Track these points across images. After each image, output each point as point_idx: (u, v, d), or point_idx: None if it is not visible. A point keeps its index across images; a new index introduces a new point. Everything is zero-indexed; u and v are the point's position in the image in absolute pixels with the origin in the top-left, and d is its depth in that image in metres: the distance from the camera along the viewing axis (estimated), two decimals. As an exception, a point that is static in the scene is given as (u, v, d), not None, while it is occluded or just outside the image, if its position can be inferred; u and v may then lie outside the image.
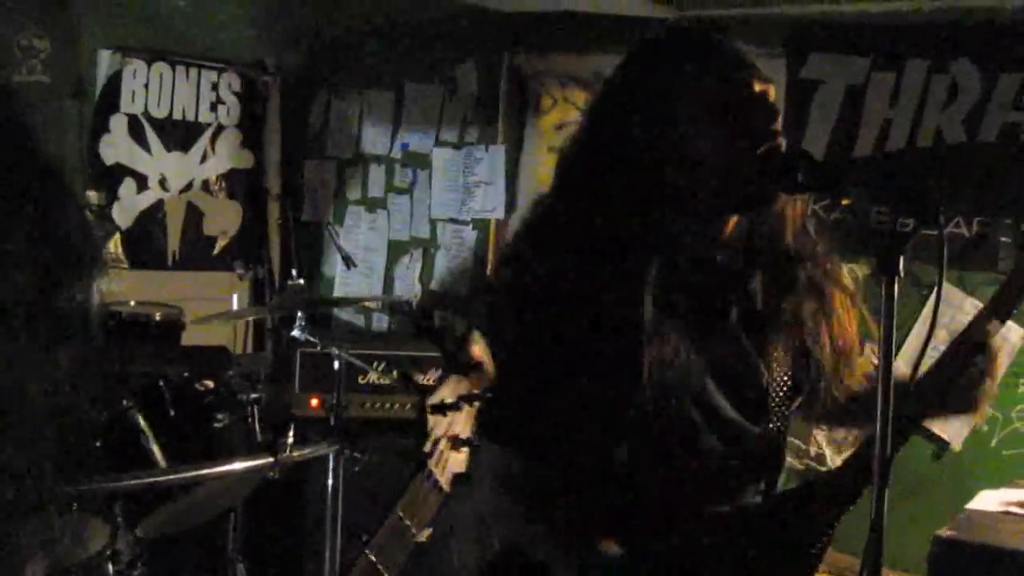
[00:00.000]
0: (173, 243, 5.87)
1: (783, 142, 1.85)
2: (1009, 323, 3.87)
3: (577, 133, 2.01)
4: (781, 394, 2.00)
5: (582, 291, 1.79)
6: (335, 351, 3.87)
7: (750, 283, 1.99)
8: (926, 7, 3.94)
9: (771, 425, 1.99)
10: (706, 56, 1.88)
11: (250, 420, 3.45)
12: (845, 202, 1.85)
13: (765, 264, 2.00)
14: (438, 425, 1.71)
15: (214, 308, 5.21)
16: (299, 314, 3.95)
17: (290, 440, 2.91)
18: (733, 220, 1.95)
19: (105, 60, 5.61)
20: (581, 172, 1.94)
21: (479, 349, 1.71)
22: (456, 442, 1.75)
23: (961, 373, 2.00)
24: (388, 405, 4.51)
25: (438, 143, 5.55)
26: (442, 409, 1.69)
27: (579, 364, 1.78)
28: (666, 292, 1.82)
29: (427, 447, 1.71)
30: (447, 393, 1.70)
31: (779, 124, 1.86)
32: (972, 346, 2.03)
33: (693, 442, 1.87)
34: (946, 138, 4.07)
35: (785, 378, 2.00)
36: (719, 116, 1.84)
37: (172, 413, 3.32)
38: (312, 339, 3.98)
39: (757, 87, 1.87)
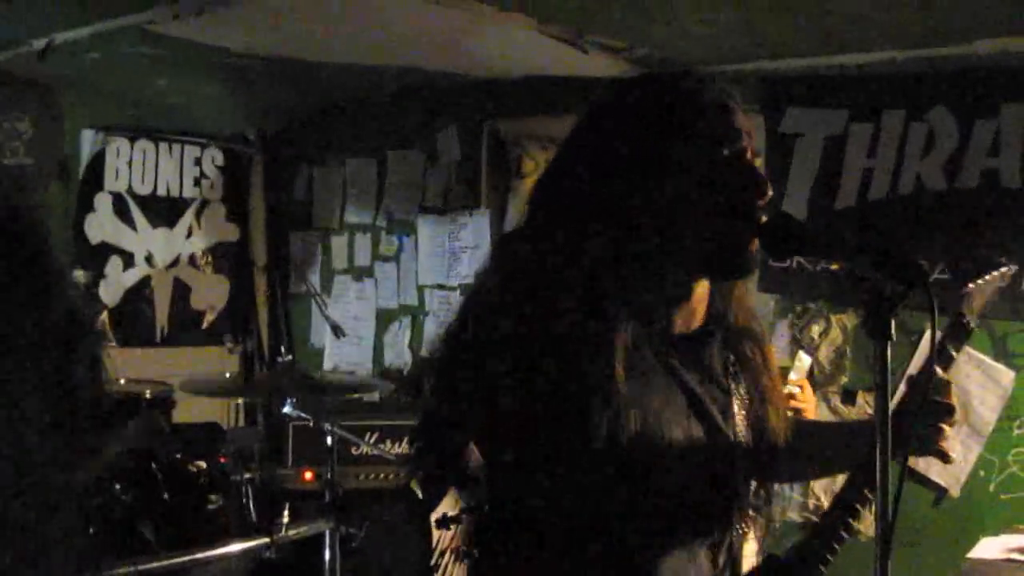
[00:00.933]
0: (161, 319, 5.86)
1: (765, 207, 1.82)
2: (1000, 367, 3.91)
3: (550, 170, 1.96)
4: (743, 457, 1.97)
5: (551, 348, 1.74)
6: (328, 427, 3.84)
7: (707, 349, 1.96)
8: (900, 58, 3.97)
9: (731, 487, 1.95)
10: (695, 112, 1.82)
11: (244, 500, 3.42)
12: (834, 267, 1.82)
13: (722, 330, 1.98)
14: (442, 539, 1.70)
15: (208, 384, 5.19)
16: (288, 392, 3.93)
17: (285, 519, 2.88)
18: (702, 285, 1.92)
19: (88, 139, 5.64)
20: (553, 215, 1.87)
21: (476, 458, 1.69)
22: (459, 554, 1.73)
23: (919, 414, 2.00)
24: (382, 475, 4.49)
25: (422, 210, 5.56)
26: (446, 523, 1.67)
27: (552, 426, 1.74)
28: (634, 356, 1.78)
29: (432, 560, 1.69)
30: (449, 506, 1.68)
31: (766, 196, 1.82)
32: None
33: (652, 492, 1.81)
34: (927, 185, 4.09)
35: (744, 438, 1.98)
36: (705, 176, 1.80)
37: (165, 495, 3.29)
38: (304, 415, 3.96)
39: (747, 152, 1.83)
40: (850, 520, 2.14)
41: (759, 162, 1.88)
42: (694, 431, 1.85)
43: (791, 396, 3.24)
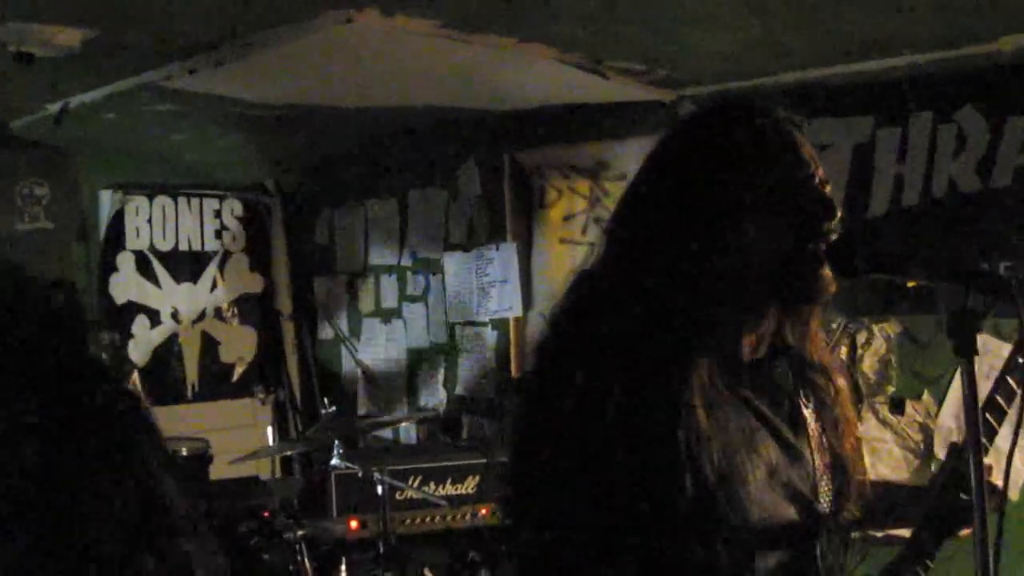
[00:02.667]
0: (191, 375, 5.83)
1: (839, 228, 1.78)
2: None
3: (625, 207, 1.92)
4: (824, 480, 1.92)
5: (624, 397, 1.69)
6: (376, 475, 3.78)
7: (775, 376, 1.91)
8: (923, 61, 3.92)
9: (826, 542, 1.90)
10: (777, 141, 1.81)
11: (299, 557, 3.36)
12: (911, 284, 1.77)
13: (793, 367, 1.93)
14: None
15: (240, 436, 5.16)
16: (336, 443, 3.88)
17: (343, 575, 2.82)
18: (772, 314, 1.87)
19: (107, 200, 5.63)
20: (630, 250, 1.85)
21: None
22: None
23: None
24: (429, 519, 4.43)
25: (447, 247, 5.52)
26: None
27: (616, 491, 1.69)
28: (709, 392, 1.73)
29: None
30: None
31: (838, 220, 1.78)
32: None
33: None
34: (960, 187, 4.02)
35: (819, 463, 1.92)
36: (779, 207, 1.77)
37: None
38: (352, 466, 3.90)
39: (820, 180, 1.80)
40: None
41: (829, 188, 1.83)
42: (775, 458, 1.79)
43: None
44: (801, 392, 1.92)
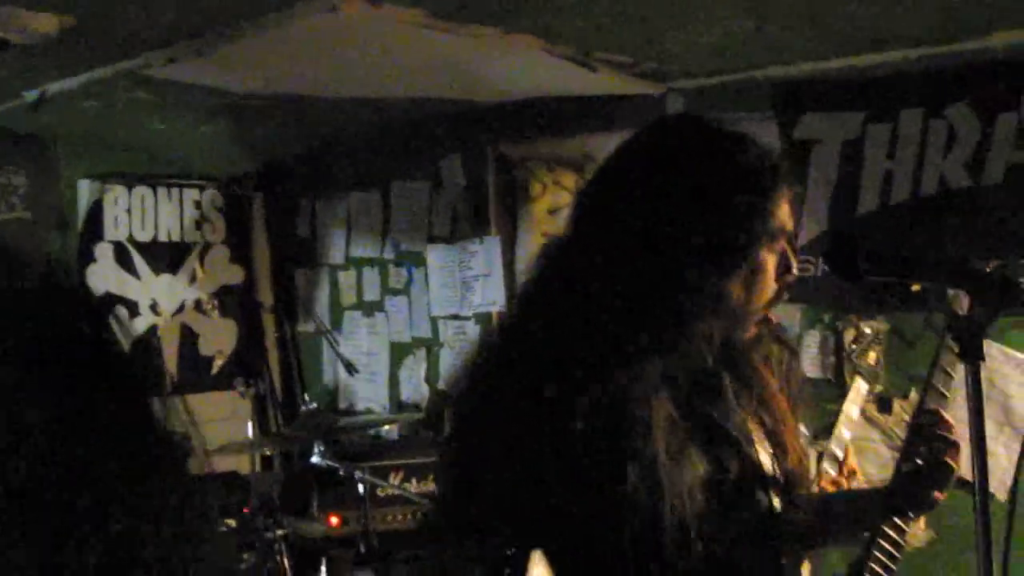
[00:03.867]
0: (171, 367, 5.76)
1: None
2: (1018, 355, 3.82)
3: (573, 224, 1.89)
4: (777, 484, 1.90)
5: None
6: (357, 475, 3.73)
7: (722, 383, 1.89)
8: (914, 56, 3.88)
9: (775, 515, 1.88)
10: (753, 175, 1.78)
11: (278, 558, 3.30)
12: (915, 288, 1.74)
13: (740, 371, 1.92)
14: None
15: (221, 430, 5.09)
16: (317, 441, 3.83)
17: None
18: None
19: (85, 189, 5.55)
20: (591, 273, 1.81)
21: None
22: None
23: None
24: (409, 515, 4.38)
25: (431, 240, 5.47)
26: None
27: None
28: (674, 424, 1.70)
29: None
30: None
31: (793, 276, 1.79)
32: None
33: None
34: (950, 184, 3.99)
35: (771, 466, 1.91)
36: (739, 258, 1.75)
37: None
38: (333, 464, 3.85)
39: (790, 238, 1.79)
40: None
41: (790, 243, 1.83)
42: (733, 468, 1.77)
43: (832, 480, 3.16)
44: (743, 396, 1.90)
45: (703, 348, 1.79)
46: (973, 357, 1.58)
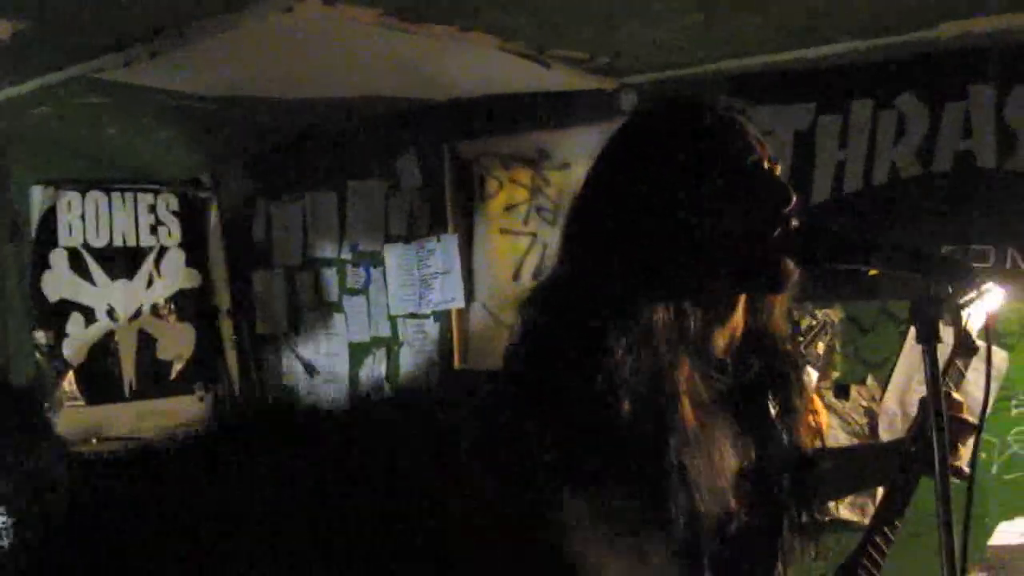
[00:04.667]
0: (128, 373, 5.73)
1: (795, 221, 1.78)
2: (992, 347, 3.88)
3: (579, 203, 1.90)
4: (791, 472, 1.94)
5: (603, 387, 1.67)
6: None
7: (750, 376, 1.92)
8: (863, 47, 3.94)
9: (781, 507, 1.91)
10: (723, 132, 1.80)
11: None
12: (872, 273, 1.77)
13: (762, 357, 1.93)
14: None
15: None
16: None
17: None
18: (740, 306, 1.86)
19: (38, 195, 5.51)
20: (591, 251, 1.83)
21: None
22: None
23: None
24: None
25: (388, 239, 5.47)
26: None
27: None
28: (698, 395, 1.72)
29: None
30: None
31: (791, 203, 1.78)
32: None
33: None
34: (901, 173, 4.06)
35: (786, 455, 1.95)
36: (733, 196, 1.76)
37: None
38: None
39: (763, 161, 1.80)
40: (891, 535, 2.15)
41: (779, 169, 1.82)
42: (746, 455, 1.79)
43: None
44: (768, 385, 1.92)
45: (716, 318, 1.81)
46: (929, 339, 1.62)
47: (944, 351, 1.81)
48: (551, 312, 1.81)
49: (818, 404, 3.35)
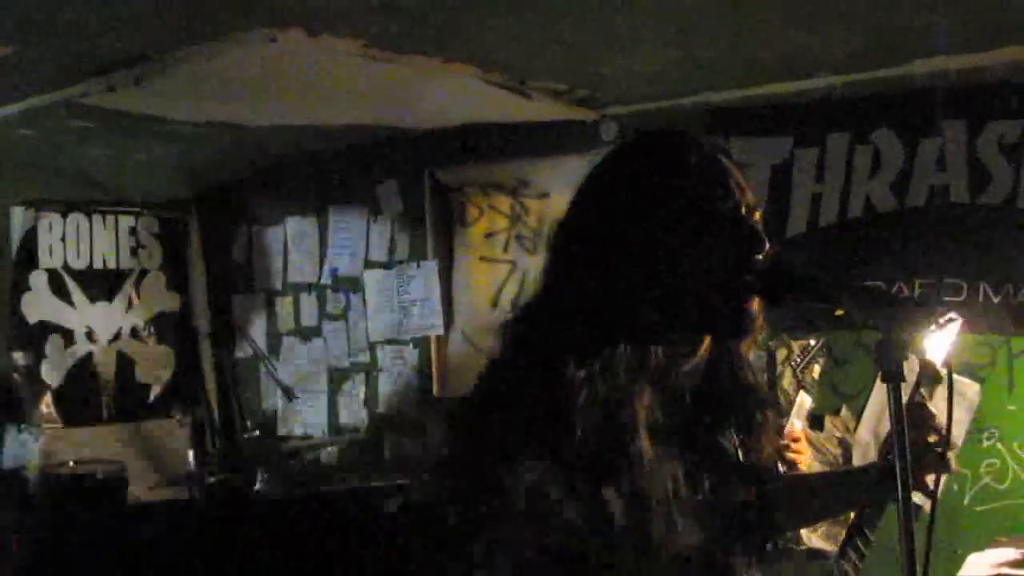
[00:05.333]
0: (107, 396, 5.71)
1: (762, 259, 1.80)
2: (965, 380, 3.93)
3: (557, 234, 1.92)
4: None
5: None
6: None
7: (712, 416, 1.93)
8: (840, 83, 4.00)
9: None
10: (704, 174, 1.81)
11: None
12: (838, 313, 1.79)
13: (727, 396, 1.95)
14: None
15: (159, 458, 5.07)
16: (260, 468, 3.84)
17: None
18: (706, 343, 1.88)
19: (19, 217, 5.51)
20: (561, 283, 1.84)
21: None
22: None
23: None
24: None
25: (368, 265, 5.49)
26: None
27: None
28: (658, 426, 1.74)
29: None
30: None
31: (763, 251, 1.80)
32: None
33: None
34: (877, 206, 4.11)
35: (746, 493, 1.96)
36: (708, 237, 1.77)
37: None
38: (275, 492, 3.86)
39: (742, 207, 1.82)
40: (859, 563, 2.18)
41: (759, 215, 1.85)
42: (703, 487, 1.81)
43: (786, 447, 3.23)
44: (730, 416, 1.93)
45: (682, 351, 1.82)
46: (895, 379, 1.64)
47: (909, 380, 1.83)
48: (516, 340, 1.83)
49: (799, 434, 3.39)
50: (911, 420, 1.99)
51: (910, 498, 1.67)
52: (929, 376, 2.56)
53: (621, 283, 1.76)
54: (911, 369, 1.75)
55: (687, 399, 1.84)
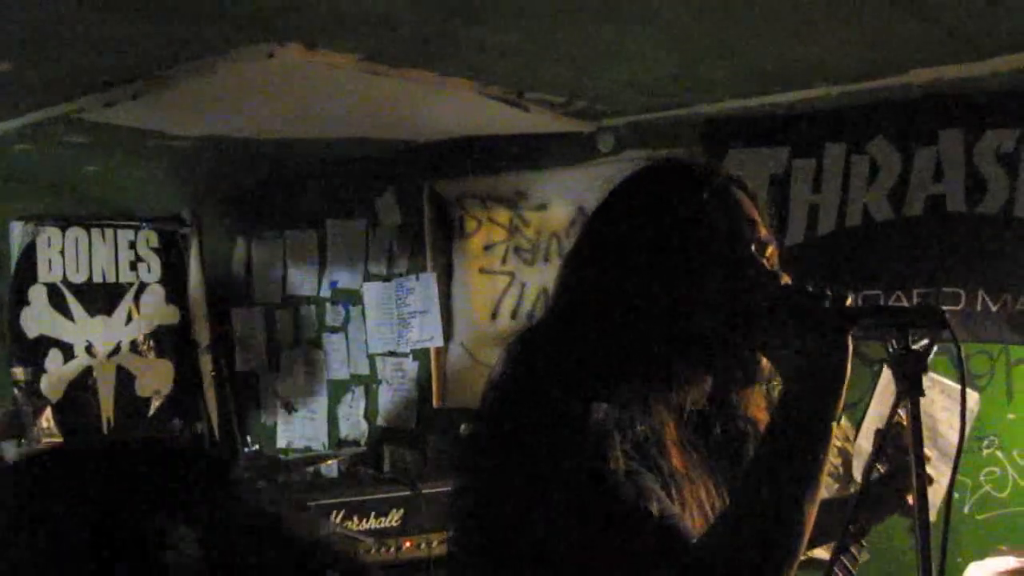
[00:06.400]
0: (107, 410, 5.72)
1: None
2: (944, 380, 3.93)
3: (573, 254, 1.93)
4: None
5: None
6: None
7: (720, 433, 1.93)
8: (836, 92, 4.00)
9: None
10: (720, 213, 1.81)
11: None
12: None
13: (733, 415, 1.95)
14: None
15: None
16: (260, 482, 3.84)
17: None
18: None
19: (18, 231, 5.52)
20: (576, 312, 1.85)
21: None
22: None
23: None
24: (351, 554, 4.38)
25: (367, 277, 5.50)
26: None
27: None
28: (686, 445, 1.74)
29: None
30: None
31: (780, 280, 1.80)
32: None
33: None
34: (874, 216, 4.11)
35: None
36: (722, 286, 1.77)
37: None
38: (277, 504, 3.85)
39: (766, 249, 1.82)
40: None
41: (773, 249, 1.85)
42: (708, 501, 1.81)
43: None
44: (739, 440, 1.93)
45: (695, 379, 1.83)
46: (915, 392, 1.65)
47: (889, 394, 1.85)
48: (532, 359, 1.83)
49: None
50: (891, 440, 2.01)
51: (927, 509, 1.68)
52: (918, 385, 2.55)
53: (628, 328, 1.76)
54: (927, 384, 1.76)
55: (698, 425, 1.85)
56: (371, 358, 5.51)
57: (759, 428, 1.93)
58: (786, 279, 1.83)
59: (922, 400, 2.23)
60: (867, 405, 4.17)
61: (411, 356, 5.36)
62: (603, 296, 1.79)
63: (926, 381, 1.92)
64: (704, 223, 1.78)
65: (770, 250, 1.85)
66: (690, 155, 4.24)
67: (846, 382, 1.70)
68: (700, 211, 1.79)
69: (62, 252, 5.67)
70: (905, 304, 3.97)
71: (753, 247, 1.81)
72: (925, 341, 1.67)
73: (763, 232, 1.84)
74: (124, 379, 5.81)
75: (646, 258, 1.78)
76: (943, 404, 3.96)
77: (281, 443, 5.79)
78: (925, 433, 2.27)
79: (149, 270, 5.97)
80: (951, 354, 3.93)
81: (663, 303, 1.76)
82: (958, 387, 3.92)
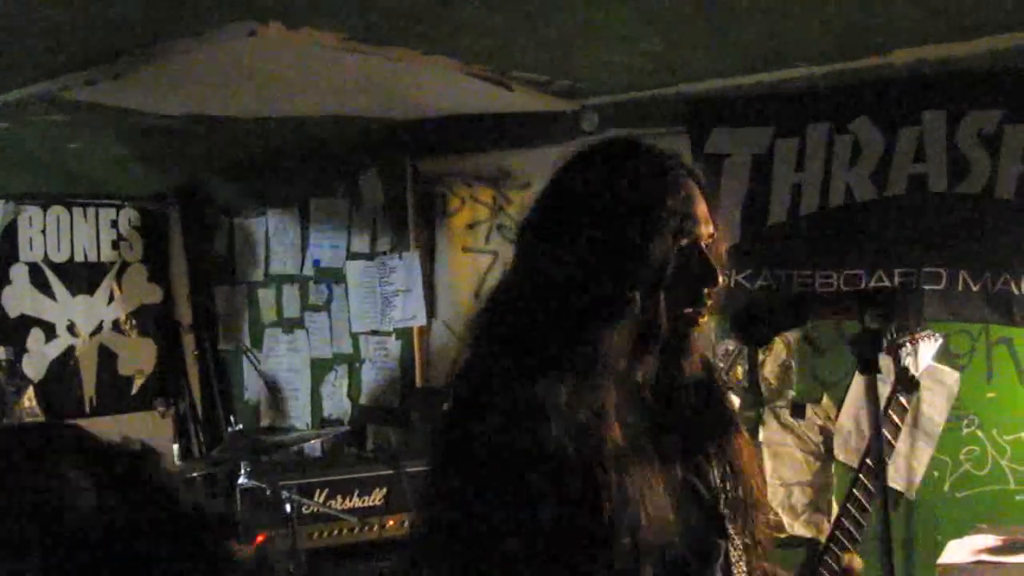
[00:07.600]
0: (89, 389, 5.72)
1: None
2: (944, 368, 3.96)
3: (523, 229, 1.94)
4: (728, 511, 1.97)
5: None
6: (285, 495, 3.75)
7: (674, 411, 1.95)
8: (820, 72, 4.00)
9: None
10: (652, 196, 1.82)
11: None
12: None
13: (697, 394, 1.97)
14: None
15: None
16: (243, 463, 3.83)
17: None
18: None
19: (-1, 210, 5.49)
20: (526, 288, 1.86)
21: None
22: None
23: None
24: (335, 532, 4.40)
25: (350, 256, 5.50)
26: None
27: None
28: (628, 421, 1.76)
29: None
30: None
31: (716, 286, 1.83)
32: None
33: None
34: (856, 195, 4.13)
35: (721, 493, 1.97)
36: (662, 266, 1.80)
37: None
38: (261, 484, 3.86)
39: (712, 242, 1.85)
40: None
41: (722, 245, 1.88)
42: (677, 486, 1.83)
43: None
44: (691, 418, 1.95)
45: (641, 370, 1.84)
46: (871, 370, 1.68)
47: (886, 386, 1.88)
48: (487, 337, 1.86)
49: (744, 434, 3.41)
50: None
51: (887, 496, 1.70)
52: (907, 384, 2.62)
53: (574, 301, 1.79)
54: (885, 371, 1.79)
55: (648, 403, 1.86)
56: (354, 337, 5.51)
57: (707, 403, 1.96)
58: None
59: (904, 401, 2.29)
60: (849, 384, 4.21)
61: (394, 335, 5.36)
62: (553, 271, 1.81)
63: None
64: (659, 207, 1.80)
65: (724, 247, 1.89)
66: (669, 135, 4.27)
67: None
68: (657, 193, 1.81)
69: (43, 231, 5.65)
70: (887, 284, 4.01)
71: (703, 241, 1.84)
72: (876, 325, 1.69)
73: (709, 231, 1.86)
74: (106, 358, 5.80)
75: (599, 233, 1.80)
76: (924, 383, 3.98)
77: (264, 422, 5.79)
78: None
79: (131, 249, 5.96)
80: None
81: (610, 280, 1.78)
82: (940, 366, 3.97)
